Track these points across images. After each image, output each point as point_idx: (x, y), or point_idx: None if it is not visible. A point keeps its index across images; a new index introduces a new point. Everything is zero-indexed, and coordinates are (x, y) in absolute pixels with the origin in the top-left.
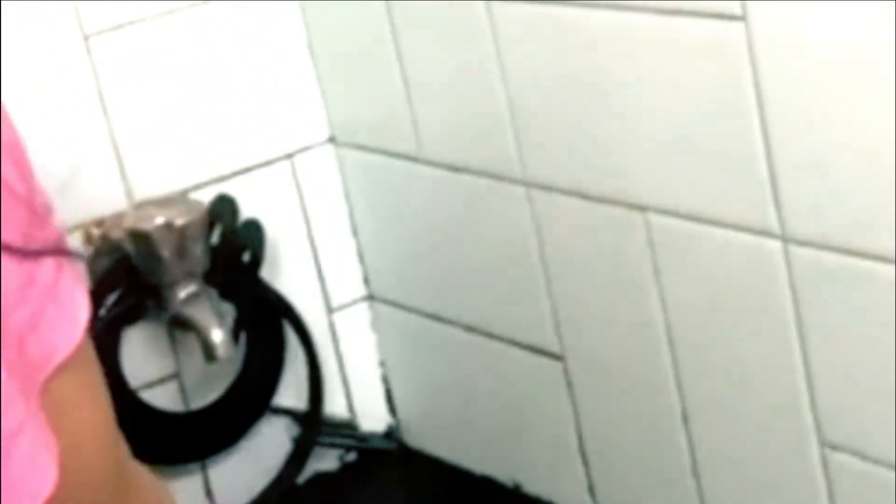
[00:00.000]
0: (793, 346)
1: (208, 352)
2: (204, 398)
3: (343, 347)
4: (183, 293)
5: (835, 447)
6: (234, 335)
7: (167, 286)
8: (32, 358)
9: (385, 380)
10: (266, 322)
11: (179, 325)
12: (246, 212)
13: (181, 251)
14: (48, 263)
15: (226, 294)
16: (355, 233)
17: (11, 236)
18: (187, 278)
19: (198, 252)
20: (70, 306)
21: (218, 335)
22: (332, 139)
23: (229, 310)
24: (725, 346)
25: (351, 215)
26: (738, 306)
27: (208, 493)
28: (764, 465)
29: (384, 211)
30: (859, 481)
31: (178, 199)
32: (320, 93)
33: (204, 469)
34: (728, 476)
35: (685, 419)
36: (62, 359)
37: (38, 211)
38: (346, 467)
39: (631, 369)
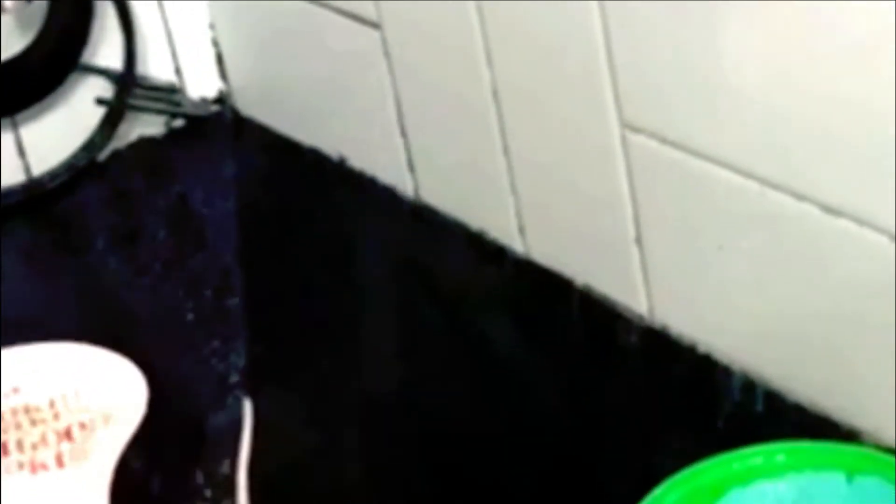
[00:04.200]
0: (594, 18)
1: None
2: (12, 51)
3: (169, 7)
4: None
5: (634, 129)
6: None
7: None
8: None
9: (215, 43)
10: None
11: None
12: None
13: None
14: None
15: None
16: None
17: None
18: None
19: None
20: None
21: None
22: None
23: None
24: (532, 19)
25: None
26: None
27: (21, 152)
28: (569, 144)
29: None
30: (657, 162)
31: None
32: None
33: (16, 128)
34: (535, 153)
35: (496, 97)
36: None
37: None
38: (172, 133)
39: (445, 41)
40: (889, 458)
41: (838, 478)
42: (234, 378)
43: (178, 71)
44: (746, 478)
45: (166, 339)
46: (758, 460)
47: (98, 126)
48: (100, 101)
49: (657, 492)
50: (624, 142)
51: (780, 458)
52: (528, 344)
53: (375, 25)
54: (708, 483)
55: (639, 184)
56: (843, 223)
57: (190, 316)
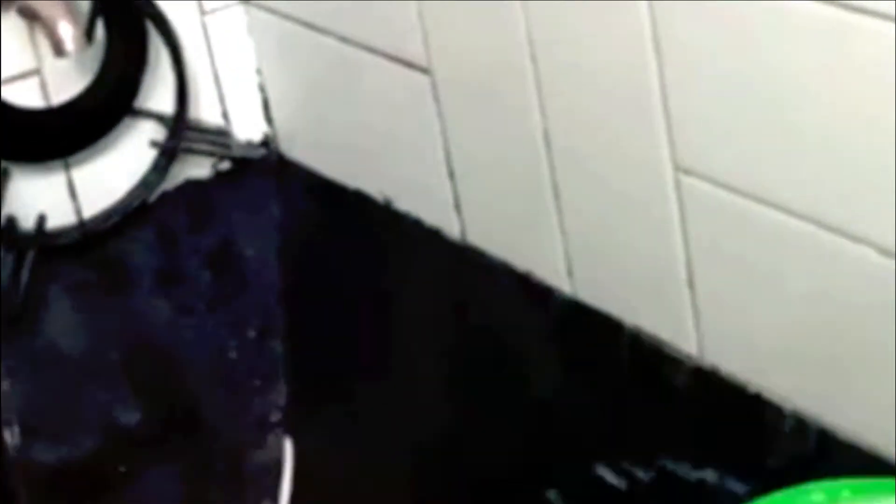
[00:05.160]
0: (650, 63)
1: (57, 46)
2: (66, 95)
3: (217, 53)
4: None
5: (687, 171)
6: (89, 30)
7: None
8: None
9: (262, 88)
10: (128, 20)
11: (28, 17)
12: None
13: None
14: None
15: None
16: None
17: None
18: None
19: None
20: None
21: (66, 29)
22: None
23: (85, 3)
24: (585, 62)
25: None
26: (598, 23)
27: (73, 194)
28: (620, 186)
29: None
30: (710, 204)
31: None
32: None
33: (68, 170)
34: (587, 195)
35: (546, 139)
36: None
37: None
38: (219, 176)
39: (496, 86)
40: None
41: None
42: (276, 417)
43: (225, 115)
44: None
45: (209, 377)
46: (819, 496)
47: (150, 167)
48: (154, 144)
49: None
50: (677, 184)
51: (846, 494)
52: (576, 385)
53: (425, 70)
54: None
55: (691, 226)
56: None
57: (232, 355)
